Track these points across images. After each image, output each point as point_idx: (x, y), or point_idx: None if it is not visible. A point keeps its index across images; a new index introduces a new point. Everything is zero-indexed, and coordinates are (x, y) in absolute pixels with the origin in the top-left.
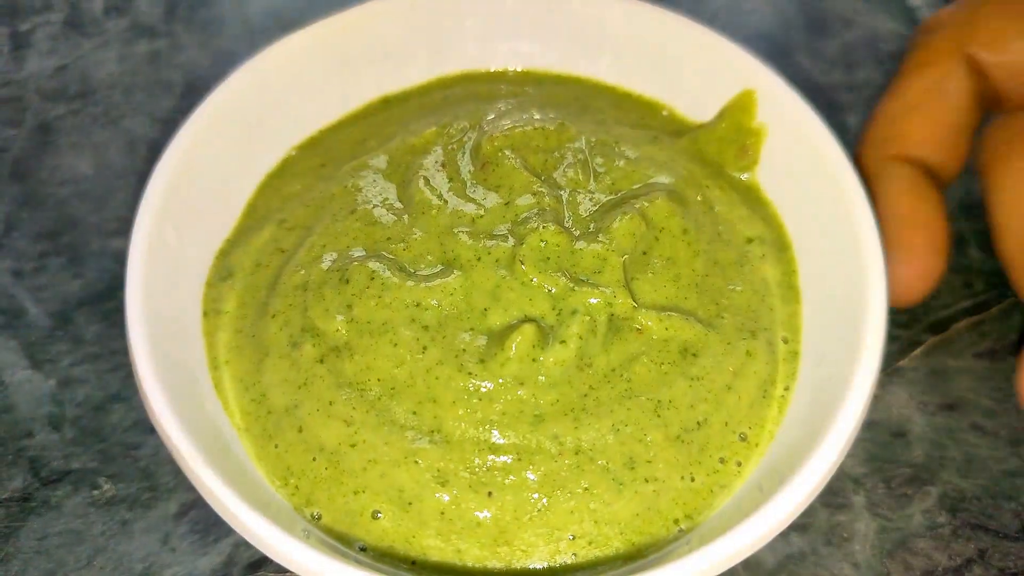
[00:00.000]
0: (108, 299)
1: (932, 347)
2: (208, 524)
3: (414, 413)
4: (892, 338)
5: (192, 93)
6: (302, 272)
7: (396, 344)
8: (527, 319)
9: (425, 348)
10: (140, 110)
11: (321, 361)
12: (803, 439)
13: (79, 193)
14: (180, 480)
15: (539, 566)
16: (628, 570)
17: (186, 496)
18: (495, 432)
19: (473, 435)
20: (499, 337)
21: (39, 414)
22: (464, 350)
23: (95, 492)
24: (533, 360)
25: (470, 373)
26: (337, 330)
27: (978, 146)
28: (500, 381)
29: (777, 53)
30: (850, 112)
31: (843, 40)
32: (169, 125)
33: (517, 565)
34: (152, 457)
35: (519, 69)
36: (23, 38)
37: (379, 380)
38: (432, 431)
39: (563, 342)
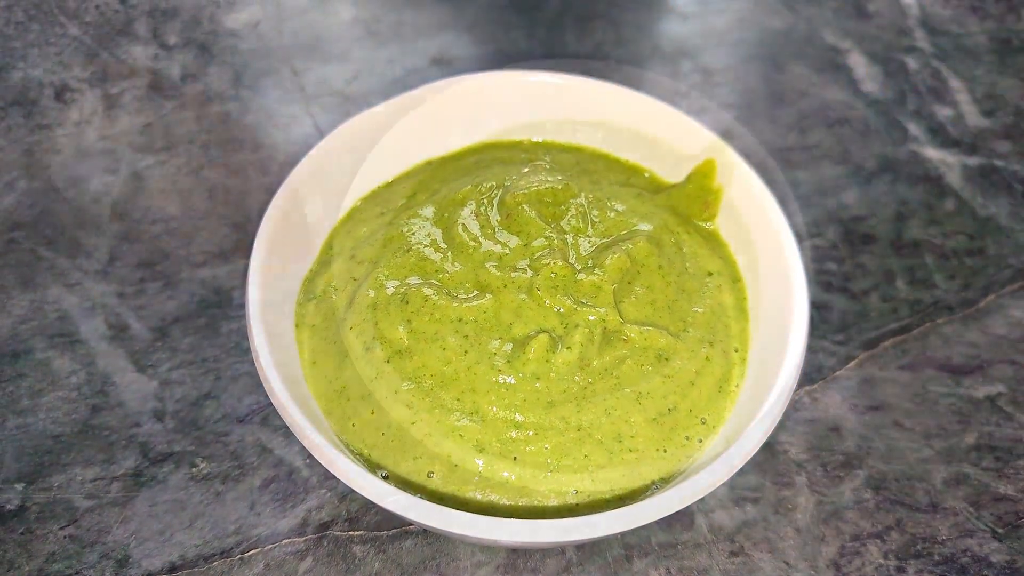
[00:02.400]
0: (198, 317)
1: (863, 360)
2: (286, 494)
3: (458, 399)
4: (831, 353)
5: (259, 149)
6: (372, 294)
7: (444, 348)
8: (542, 331)
9: (466, 352)
10: (216, 162)
11: (388, 361)
12: (746, 421)
13: (169, 231)
14: (262, 460)
15: (551, 511)
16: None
17: (267, 472)
18: (518, 414)
19: (502, 416)
20: (521, 344)
21: (145, 408)
22: (495, 353)
23: (193, 469)
24: (546, 361)
25: (499, 370)
26: (400, 338)
27: None
28: (522, 376)
29: (742, 119)
30: (803, 169)
31: (798, 108)
32: (241, 175)
33: (535, 510)
34: (239, 442)
35: (534, 140)
36: (114, 100)
37: (432, 375)
38: (472, 412)
39: (569, 348)
